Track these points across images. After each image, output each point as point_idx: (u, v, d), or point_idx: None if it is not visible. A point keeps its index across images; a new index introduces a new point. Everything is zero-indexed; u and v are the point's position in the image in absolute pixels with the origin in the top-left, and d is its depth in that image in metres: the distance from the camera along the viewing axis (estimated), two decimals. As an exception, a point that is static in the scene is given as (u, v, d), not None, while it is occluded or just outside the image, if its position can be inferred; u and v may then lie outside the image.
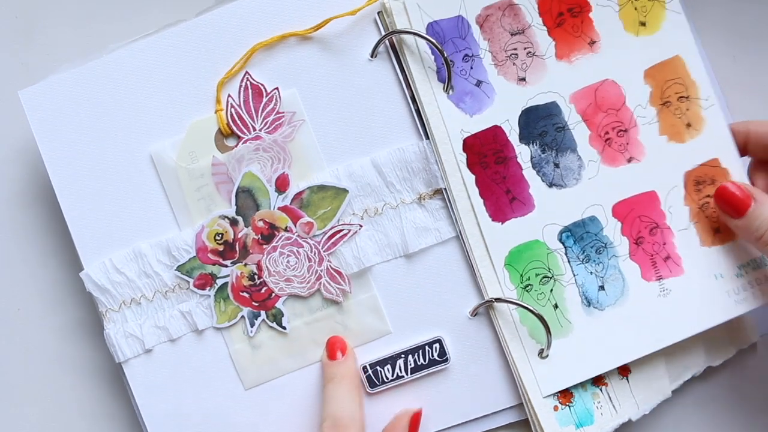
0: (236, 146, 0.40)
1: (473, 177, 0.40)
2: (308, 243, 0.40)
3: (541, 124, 0.41)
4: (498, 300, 0.40)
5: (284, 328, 0.41)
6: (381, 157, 0.40)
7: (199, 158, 0.40)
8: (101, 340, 0.43)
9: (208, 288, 0.40)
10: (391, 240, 0.41)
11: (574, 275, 0.41)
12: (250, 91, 0.40)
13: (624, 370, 0.41)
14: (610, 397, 0.41)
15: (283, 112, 0.40)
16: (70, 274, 0.44)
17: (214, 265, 0.40)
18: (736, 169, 0.41)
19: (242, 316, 0.40)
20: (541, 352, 0.40)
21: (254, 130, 0.40)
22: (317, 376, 0.41)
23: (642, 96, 0.41)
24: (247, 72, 0.40)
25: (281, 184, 0.40)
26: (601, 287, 0.41)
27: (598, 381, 0.41)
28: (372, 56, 0.40)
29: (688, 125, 0.41)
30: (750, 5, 0.46)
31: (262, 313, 0.40)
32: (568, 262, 0.41)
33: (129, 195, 0.41)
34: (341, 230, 0.40)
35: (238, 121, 0.40)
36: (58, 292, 0.44)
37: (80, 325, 0.44)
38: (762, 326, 0.44)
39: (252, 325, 0.40)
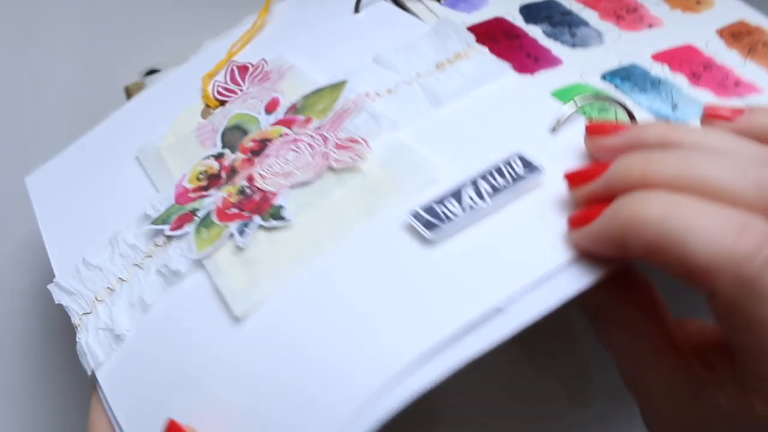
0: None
1: (486, 48, 0.32)
2: (308, 134, 0.30)
3: (545, 12, 0.37)
4: (597, 98, 0.27)
5: (283, 218, 0.27)
6: (382, 54, 0.33)
7: (183, 132, 0.35)
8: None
9: (186, 225, 0.29)
10: (415, 100, 0.30)
11: (637, 103, 0.32)
12: (236, 71, 0.37)
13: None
14: None
15: (270, 70, 0.36)
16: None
17: (195, 201, 0.30)
18: None
19: (230, 234, 0.28)
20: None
21: (241, 91, 0.35)
22: (341, 263, 0.25)
23: None
24: (232, 60, 0.38)
25: (271, 107, 0.33)
26: (675, 106, 0.32)
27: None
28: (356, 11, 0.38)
29: (698, 2, 0.39)
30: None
31: (256, 217, 0.28)
32: (623, 93, 0.32)
33: (109, 200, 0.34)
34: (345, 107, 0.31)
35: (224, 92, 0.36)
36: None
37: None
38: None
39: (242, 234, 0.27)
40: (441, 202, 0.25)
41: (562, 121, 0.27)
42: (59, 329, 0.36)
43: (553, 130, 0.27)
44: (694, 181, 0.21)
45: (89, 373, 0.28)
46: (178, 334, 0.27)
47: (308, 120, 0.31)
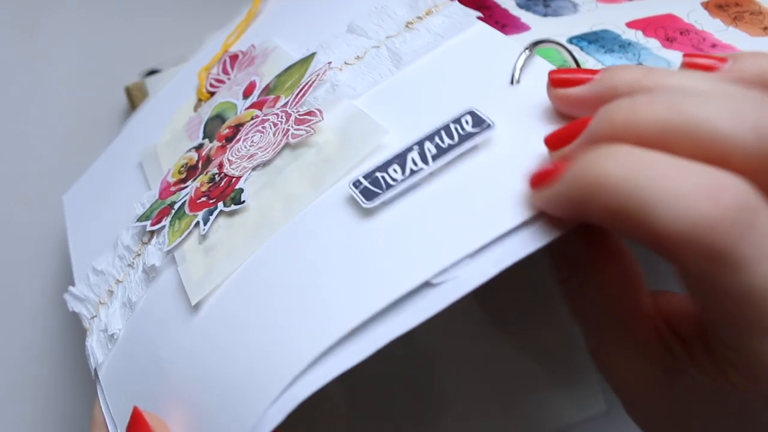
0: (212, 100, 0.35)
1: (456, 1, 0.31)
2: (275, 113, 0.30)
3: None
4: (542, 42, 0.25)
5: (242, 202, 0.27)
6: (354, 20, 0.32)
7: (177, 128, 0.35)
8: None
9: (165, 218, 0.29)
10: (380, 63, 0.29)
11: (599, 61, 0.29)
12: (228, 61, 0.37)
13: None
14: None
15: (256, 54, 0.35)
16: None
17: (174, 194, 0.30)
18: None
19: (196, 222, 0.28)
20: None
21: (229, 80, 0.35)
22: (285, 242, 0.24)
23: None
24: (227, 51, 0.38)
25: (248, 91, 0.33)
26: (639, 64, 0.29)
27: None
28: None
29: None
30: None
31: (219, 204, 0.28)
32: (588, 54, 0.29)
33: (120, 208, 0.35)
34: (309, 80, 0.30)
35: (215, 83, 0.36)
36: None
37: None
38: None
39: (206, 222, 0.27)
40: (385, 168, 0.24)
41: (518, 71, 0.25)
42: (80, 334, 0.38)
43: (513, 81, 0.25)
44: (684, 128, 0.18)
45: (92, 373, 0.29)
46: (154, 329, 0.27)
47: (276, 99, 0.30)
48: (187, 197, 0.29)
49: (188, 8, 0.43)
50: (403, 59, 0.28)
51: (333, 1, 0.36)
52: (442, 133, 0.24)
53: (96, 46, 0.42)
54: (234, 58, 0.36)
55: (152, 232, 0.30)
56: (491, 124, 0.23)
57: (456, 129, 0.23)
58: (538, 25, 0.31)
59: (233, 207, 0.27)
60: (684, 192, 0.17)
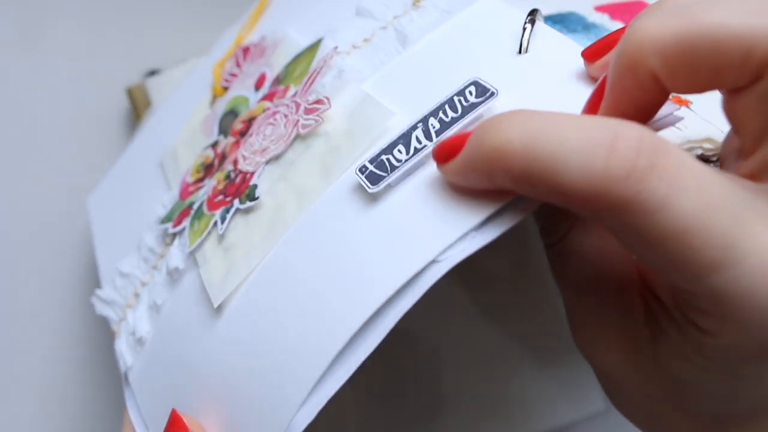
0: (227, 95, 0.34)
1: None
2: (285, 104, 0.29)
3: None
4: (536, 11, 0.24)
5: (256, 198, 0.26)
6: (362, 2, 0.31)
7: (194, 126, 0.35)
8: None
9: (185, 219, 0.29)
10: (386, 44, 0.28)
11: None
12: (240, 54, 0.36)
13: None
14: None
15: (266, 45, 0.35)
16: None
17: (193, 194, 0.30)
18: None
19: (214, 222, 0.27)
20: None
21: (241, 74, 0.35)
22: (305, 231, 0.24)
23: None
24: (238, 46, 0.37)
25: (259, 83, 0.32)
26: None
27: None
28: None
29: None
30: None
31: (235, 201, 0.27)
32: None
33: (144, 209, 0.35)
34: (316, 68, 0.29)
35: (229, 77, 0.35)
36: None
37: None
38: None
39: (224, 221, 0.27)
40: (390, 150, 0.23)
41: (526, 40, 0.24)
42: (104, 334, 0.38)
43: (521, 51, 0.24)
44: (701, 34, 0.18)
45: (123, 376, 0.29)
46: (180, 332, 0.27)
47: (286, 89, 0.30)
48: (205, 197, 0.29)
49: (189, 9, 0.43)
50: (410, 38, 0.27)
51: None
52: (446, 107, 0.23)
53: (96, 48, 0.42)
54: (246, 51, 0.36)
55: (174, 234, 0.30)
56: (495, 92, 0.22)
57: (459, 101, 0.23)
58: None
59: (248, 204, 0.26)
60: (581, 148, 0.17)
